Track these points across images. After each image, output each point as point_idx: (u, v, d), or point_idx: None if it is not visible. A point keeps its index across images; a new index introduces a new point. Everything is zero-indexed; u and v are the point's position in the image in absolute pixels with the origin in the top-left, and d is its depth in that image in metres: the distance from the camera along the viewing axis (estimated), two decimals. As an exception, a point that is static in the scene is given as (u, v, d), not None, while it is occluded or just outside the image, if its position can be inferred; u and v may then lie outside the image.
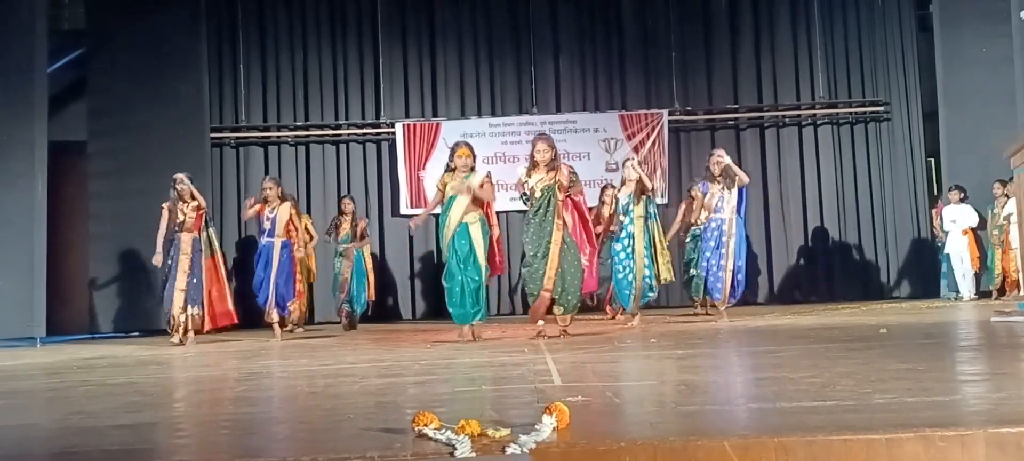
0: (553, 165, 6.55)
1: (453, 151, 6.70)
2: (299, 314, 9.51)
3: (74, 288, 10.70)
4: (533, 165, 6.61)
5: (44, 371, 5.75)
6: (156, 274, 8.90)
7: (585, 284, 7.16)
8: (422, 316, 11.75)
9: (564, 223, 6.60)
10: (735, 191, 8.04)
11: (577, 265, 6.63)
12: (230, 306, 8.22)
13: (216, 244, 8.28)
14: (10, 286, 8.71)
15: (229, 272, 10.97)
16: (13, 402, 4.14)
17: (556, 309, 6.56)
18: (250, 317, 10.32)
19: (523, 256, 6.70)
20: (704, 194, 8.33)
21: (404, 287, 12.03)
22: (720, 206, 8.03)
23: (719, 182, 8.10)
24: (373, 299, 10.42)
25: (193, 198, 7.93)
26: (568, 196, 6.80)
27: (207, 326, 7.96)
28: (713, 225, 8.11)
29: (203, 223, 8.03)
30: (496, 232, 6.73)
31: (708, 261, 8.12)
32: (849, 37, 12.26)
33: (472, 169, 6.64)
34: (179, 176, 7.94)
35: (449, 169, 6.68)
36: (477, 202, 6.58)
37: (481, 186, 6.60)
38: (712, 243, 8.11)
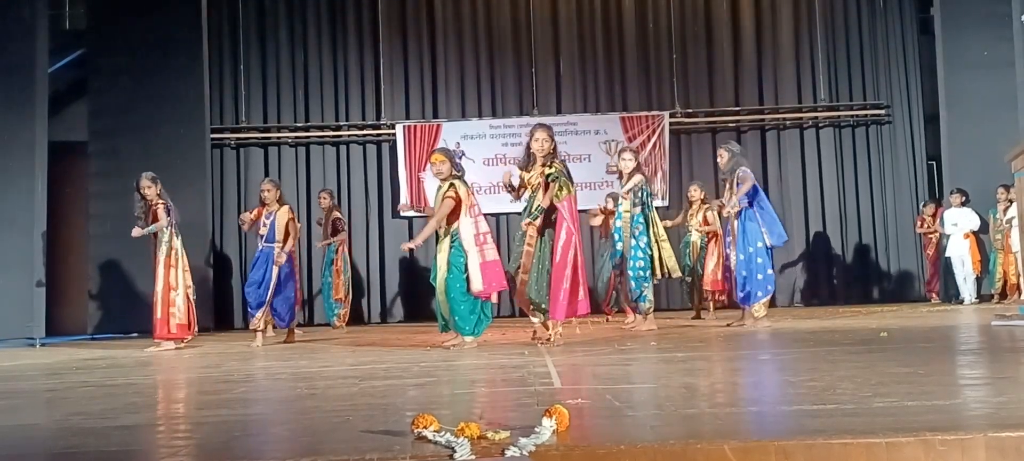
0: (549, 160, 6.17)
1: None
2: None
3: (74, 288, 10.70)
4: (532, 159, 6.21)
5: (44, 371, 5.74)
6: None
7: (580, 306, 6.31)
8: (422, 318, 11.72)
9: (543, 222, 6.15)
10: (738, 191, 7.76)
11: (541, 270, 6.15)
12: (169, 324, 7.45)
13: (179, 250, 7.52)
14: (10, 286, 8.71)
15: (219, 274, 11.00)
16: (13, 402, 4.14)
17: (536, 317, 6.25)
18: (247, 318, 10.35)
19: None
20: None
21: (405, 289, 12.02)
22: (730, 208, 7.92)
23: (726, 181, 7.82)
24: (341, 298, 10.09)
25: (151, 190, 7.44)
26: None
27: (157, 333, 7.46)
28: (725, 226, 8.02)
29: (163, 220, 7.40)
30: (474, 256, 5.98)
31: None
32: (850, 40, 12.27)
33: (444, 178, 6.13)
34: (143, 180, 7.48)
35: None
36: (452, 214, 6.07)
37: (443, 200, 6.08)
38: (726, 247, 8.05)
